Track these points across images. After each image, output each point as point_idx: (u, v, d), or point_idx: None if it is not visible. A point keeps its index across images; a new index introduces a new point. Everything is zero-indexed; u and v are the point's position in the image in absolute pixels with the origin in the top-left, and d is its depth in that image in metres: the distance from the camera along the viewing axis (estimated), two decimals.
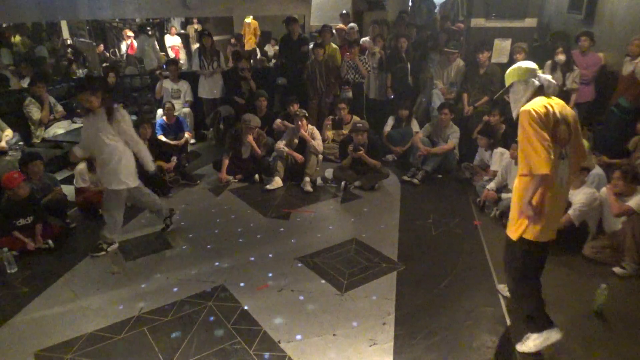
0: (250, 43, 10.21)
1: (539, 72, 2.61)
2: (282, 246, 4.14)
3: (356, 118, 6.32)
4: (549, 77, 2.59)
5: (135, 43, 10.44)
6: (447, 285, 3.53)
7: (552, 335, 2.73)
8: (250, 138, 5.61)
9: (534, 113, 2.43)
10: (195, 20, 11.30)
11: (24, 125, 6.10)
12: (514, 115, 2.64)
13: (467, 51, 6.76)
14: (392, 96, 6.98)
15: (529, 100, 2.56)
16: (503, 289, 3.37)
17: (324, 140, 6.13)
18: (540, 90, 2.57)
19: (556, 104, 2.53)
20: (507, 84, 2.68)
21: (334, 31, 7.50)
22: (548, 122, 2.43)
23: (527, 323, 2.86)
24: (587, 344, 2.92)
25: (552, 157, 2.38)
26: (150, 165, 4.07)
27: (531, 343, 2.78)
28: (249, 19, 10.32)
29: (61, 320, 3.18)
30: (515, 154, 4.47)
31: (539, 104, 2.48)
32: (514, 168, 4.57)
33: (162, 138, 6.20)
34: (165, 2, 7.62)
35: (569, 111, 2.58)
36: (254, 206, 4.97)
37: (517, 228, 2.67)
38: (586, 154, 2.72)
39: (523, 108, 2.49)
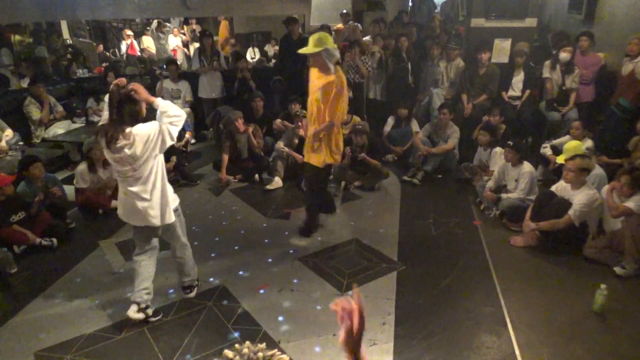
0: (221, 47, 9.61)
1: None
2: (282, 246, 4.14)
3: (356, 118, 6.32)
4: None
5: (135, 43, 10.44)
6: (447, 285, 3.53)
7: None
8: (245, 127, 5.59)
9: (340, 85, 3.56)
10: (193, 21, 11.29)
11: (24, 125, 6.10)
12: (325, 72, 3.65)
13: (467, 51, 6.76)
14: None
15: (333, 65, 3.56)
16: None
17: None
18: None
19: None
20: (316, 47, 3.50)
21: (332, 32, 7.51)
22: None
23: (299, 230, 4.27)
24: (587, 344, 2.92)
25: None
26: None
27: (297, 241, 4.17)
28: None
29: (61, 320, 3.18)
30: (509, 155, 4.51)
31: (342, 77, 3.62)
32: (511, 169, 4.58)
33: None
34: (165, 2, 7.61)
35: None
36: (254, 206, 4.97)
37: (317, 158, 3.86)
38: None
39: (332, 77, 3.58)
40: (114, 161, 2.84)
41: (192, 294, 3.41)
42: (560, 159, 4.50)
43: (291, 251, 4.03)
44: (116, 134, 2.72)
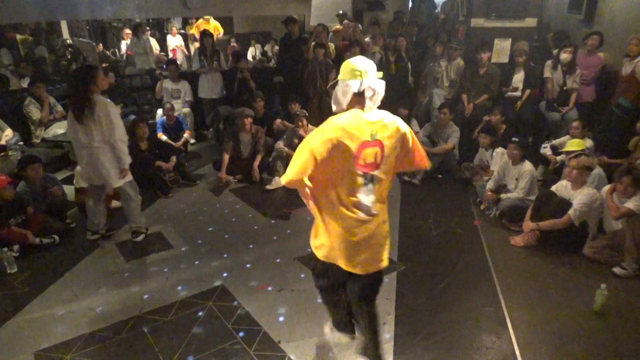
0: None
1: (367, 75, 2.16)
2: (282, 246, 4.14)
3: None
4: (375, 83, 2.18)
5: None
6: (447, 285, 3.53)
7: (342, 339, 2.76)
8: (250, 128, 5.62)
9: (328, 134, 2.10)
10: (194, 21, 11.27)
11: (24, 125, 6.10)
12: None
13: (467, 51, 6.76)
14: None
15: (348, 104, 2.20)
16: None
17: None
18: (360, 96, 2.16)
19: (372, 123, 2.16)
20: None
21: (331, 32, 7.54)
22: (335, 148, 2.10)
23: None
24: (587, 344, 2.92)
25: (299, 177, 2.13)
26: None
27: (327, 328, 2.83)
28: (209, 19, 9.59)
29: (61, 320, 3.19)
30: (512, 153, 4.51)
31: (351, 122, 2.13)
32: (512, 168, 4.58)
33: (163, 137, 6.22)
34: (165, 2, 7.61)
35: (389, 132, 2.19)
36: (254, 206, 4.97)
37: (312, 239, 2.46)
38: (390, 183, 2.35)
39: (332, 120, 2.15)
40: (85, 133, 3.73)
41: (139, 239, 4.22)
42: (568, 148, 4.49)
43: (291, 251, 4.03)
44: (85, 102, 3.64)
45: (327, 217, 2.30)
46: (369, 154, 2.16)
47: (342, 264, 2.34)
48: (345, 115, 2.16)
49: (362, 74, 2.14)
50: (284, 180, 2.18)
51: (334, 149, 2.10)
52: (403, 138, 2.26)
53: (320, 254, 2.40)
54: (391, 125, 2.21)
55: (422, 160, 2.39)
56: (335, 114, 2.23)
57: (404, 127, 2.27)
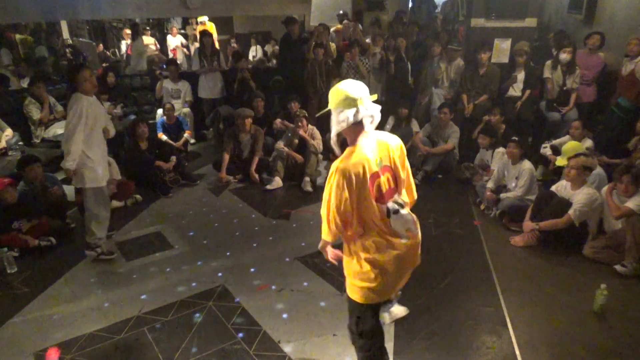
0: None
1: (363, 102, 1.99)
2: (282, 246, 4.14)
3: None
4: (371, 110, 2.02)
5: None
6: (447, 285, 3.53)
7: None
8: (249, 128, 5.63)
9: (348, 175, 1.96)
10: (194, 21, 11.28)
11: (24, 125, 6.10)
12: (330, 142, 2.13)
13: (467, 51, 6.76)
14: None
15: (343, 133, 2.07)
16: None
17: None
18: (358, 125, 2.01)
19: (374, 150, 2.05)
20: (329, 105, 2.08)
21: (332, 32, 7.55)
22: (361, 184, 1.99)
23: None
24: (587, 344, 2.92)
25: (339, 227, 2.11)
26: None
27: None
28: (202, 19, 9.58)
29: (61, 320, 3.19)
30: (512, 152, 4.52)
31: (356, 161, 1.99)
32: (512, 167, 4.58)
33: (163, 137, 6.22)
34: (165, 2, 7.61)
35: (389, 150, 2.10)
36: (254, 206, 4.97)
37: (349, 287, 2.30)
38: (413, 189, 2.28)
39: (337, 164, 2.00)
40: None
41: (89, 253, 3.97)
42: (559, 162, 4.50)
43: (291, 251, 4.03)
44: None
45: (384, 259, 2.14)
46: (382, 183, 2.05)
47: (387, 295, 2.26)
48: (350, 159, 2.00)
49: (357, 101, 1.98)
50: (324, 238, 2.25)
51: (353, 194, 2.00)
52: (401, 152, 2.18)
53: (376, 285, 2.16)
54: (392, 142, 2.14)
55: (410, 189, 2.25)
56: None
57: (399, 141, 2.20)
